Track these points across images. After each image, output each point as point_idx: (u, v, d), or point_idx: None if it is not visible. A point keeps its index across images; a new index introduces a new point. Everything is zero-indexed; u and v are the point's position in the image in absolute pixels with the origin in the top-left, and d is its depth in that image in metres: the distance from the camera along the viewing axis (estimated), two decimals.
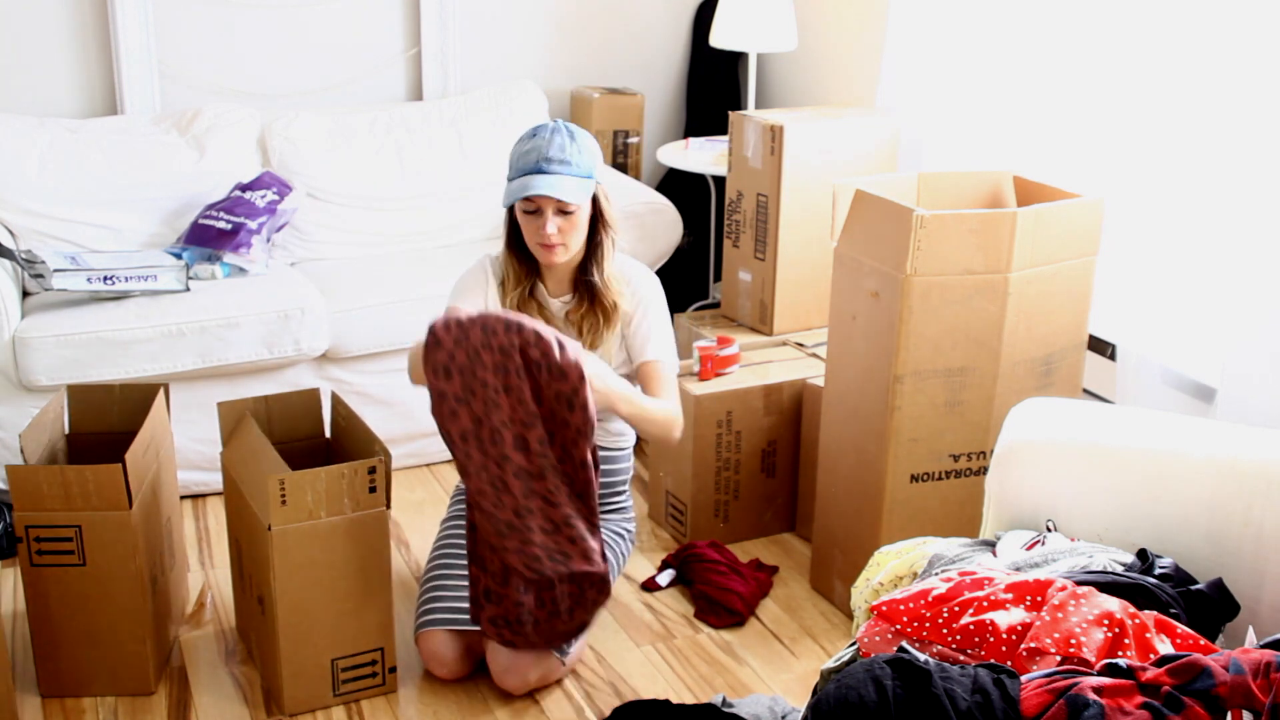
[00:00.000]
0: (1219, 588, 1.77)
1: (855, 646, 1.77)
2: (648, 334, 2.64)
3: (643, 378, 2.64)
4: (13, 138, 3.40)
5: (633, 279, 2.66)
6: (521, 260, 2.62)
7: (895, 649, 1.67)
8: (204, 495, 3.33)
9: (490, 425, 2.31)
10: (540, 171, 2.46)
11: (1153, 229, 2.79)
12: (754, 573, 2.97)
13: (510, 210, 2.59)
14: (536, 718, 2.51)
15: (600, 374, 2.40)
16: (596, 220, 2.58)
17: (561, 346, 2.28)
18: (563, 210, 2.49)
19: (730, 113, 3.42)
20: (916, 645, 1.69)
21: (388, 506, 2.45)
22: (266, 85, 3.88)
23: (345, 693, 2.51)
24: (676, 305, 3.96)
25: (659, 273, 3.74)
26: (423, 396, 3.46)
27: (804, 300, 3.38)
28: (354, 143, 3.74)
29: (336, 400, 2.72)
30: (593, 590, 2.41)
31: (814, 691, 1.68)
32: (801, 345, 3.34)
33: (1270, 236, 2.53)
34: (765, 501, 3.20)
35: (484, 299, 2.65)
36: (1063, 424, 2.08)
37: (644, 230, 3.64)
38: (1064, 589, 1.69)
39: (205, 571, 3.01)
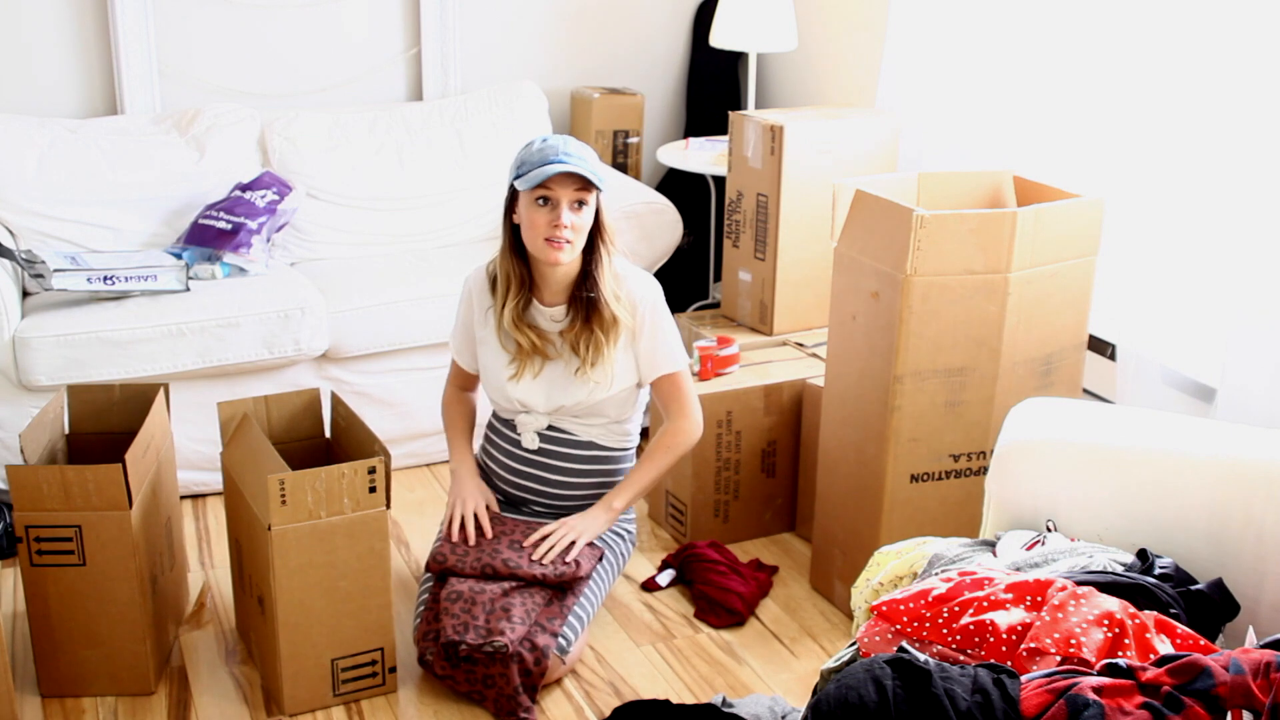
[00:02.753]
0: (1219, 588, 1.77)
1: (855, 646, 1.77)
2: (658, 349, 2.65)
3: (661, 394, 2.70)
4: (13, 138, 3.40)
5: (633, 289, 2.64)
6: (521, 267, 2.61)
7: (895, 649, 1.67)
8: (204, 495, 3.33)
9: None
10: (560, 161, 2.47)
11: (1153, 229, 2.79)
12: (754, 573, 2.97)
13: (509, 216, 2.58)
14: (537, 717, 2.51)
15: (593, 525, 2.65)
16: (595, 231, 2.58)
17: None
18: (578, 203, 2.50)
19: (730, 113, 3.42)
20: (916, 645, 1.69)
21: (388, 506, 2.45)
22: (266, 85, 3.88)
23: (345, 693, 2.51)
24: (677, 305, 3.95)
25: (659, 273, 3.74)
26: (421, 397, 3.47)
27: (804, 300, 3.38)
28: (354, 143, 3.74)
29: (336, 400, 2.72)
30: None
31: (814, 691, 1.68)
32: (801, 345, 3.34)
33: (1270, 237, 2.53)
34: (765, 501, 3.20)
35: (469, 335, 2.73)
36: (1063, 424, 2.08)
37: (644, 230, 3.64)
38: (1064, 589, 1.69)
39: (205, 571, 3.01)
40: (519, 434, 2.69)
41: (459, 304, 2.76)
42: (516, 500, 2.76)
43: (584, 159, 2.49)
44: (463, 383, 2.84)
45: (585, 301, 2.59)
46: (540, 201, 2.50)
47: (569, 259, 2.54)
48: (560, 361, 2.63)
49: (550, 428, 2.67)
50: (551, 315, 2.63)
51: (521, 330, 2.61)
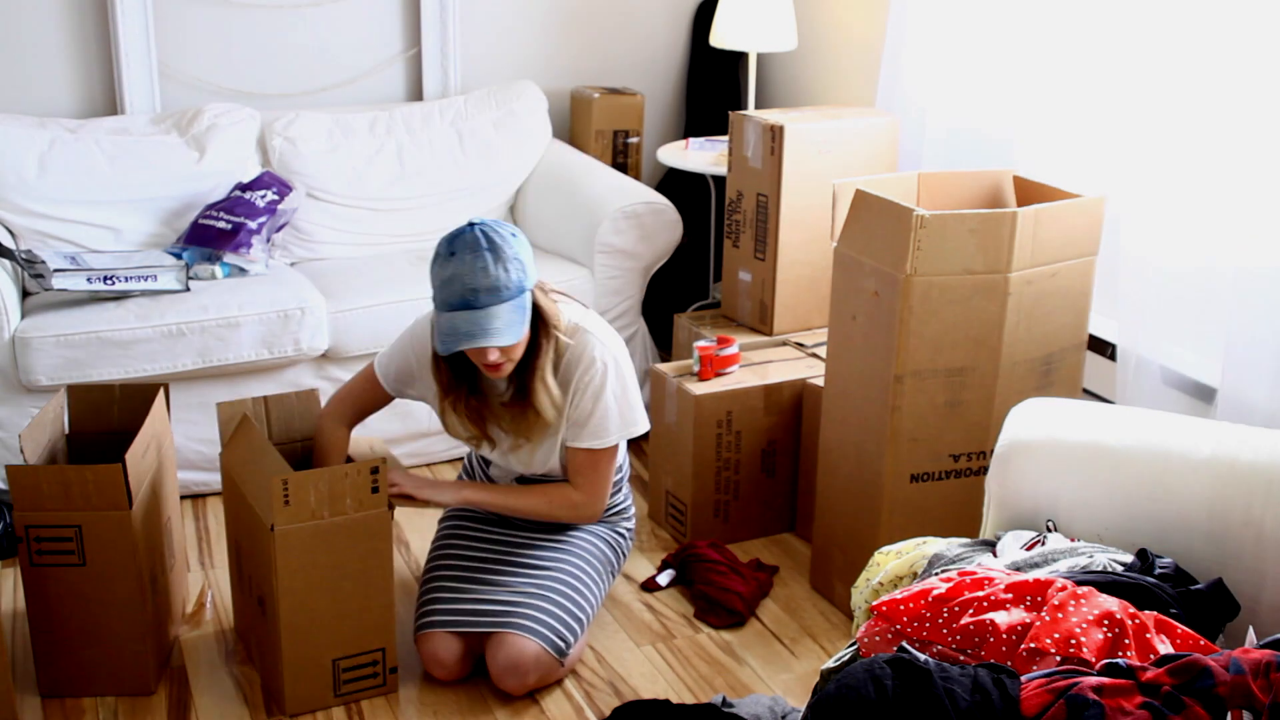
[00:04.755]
0: (1219, 588, 1.77)
1: (855, 646, 1.77)
2: (586, 421, 2.50)
3: (572, 463, 2.56)
4: (13, 138, 3.40)
5: (579, 359, 2.49)
6: (454, 367, 2.47)
7: (895, 649, 1.67)
8: (204, 495, 3.33)
9: None
10: (468, 306, 2.27)
11: (1153, 228, 2.78)
12: (754, 573, 2.97)
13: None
14: (536, 718, 2.51)
15: (438, 495, 2.56)
16: (535, 319, 2.40)
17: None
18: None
19: (730, 113, 3.42)
20: (916, 645, 1.70)
21: (390, 507, 2.45)
22: (266, 85, 3.88)
23: (346, 693, 2.51)
24: (677, 305, 3.96)
25: (659, 273, 3.75)
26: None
27: (804, 300, 3.38)
28: (354, 143, 3.74)
29: None
30: None
31: (814, 691, 1.68)
32: (801, 345, 3.34)
33: (1271, 236, 2.53)
34: (765, 501, 3.20)
35: (414, 372, 2.58)
36: (1063, 424, 2.08)
37: (644, 230, 3.64)
38: (1064, 589, 1.69)
39: (205, 571, 3.01)
40: (495, 478, 2.71)
41: (406, 348, 2.58)
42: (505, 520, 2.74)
43: (496, 290, 2.26)
44: (351, 413, 2.66)
45: (524, 386, 2.46)
46: None
47: (510, 370, 2.42)
48: (509, 437, 2.55)
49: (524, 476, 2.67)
50: (498, 384, 2.52)
51: (465, 423, 2.52)
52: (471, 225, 2.32)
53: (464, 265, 2.27)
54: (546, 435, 2.54)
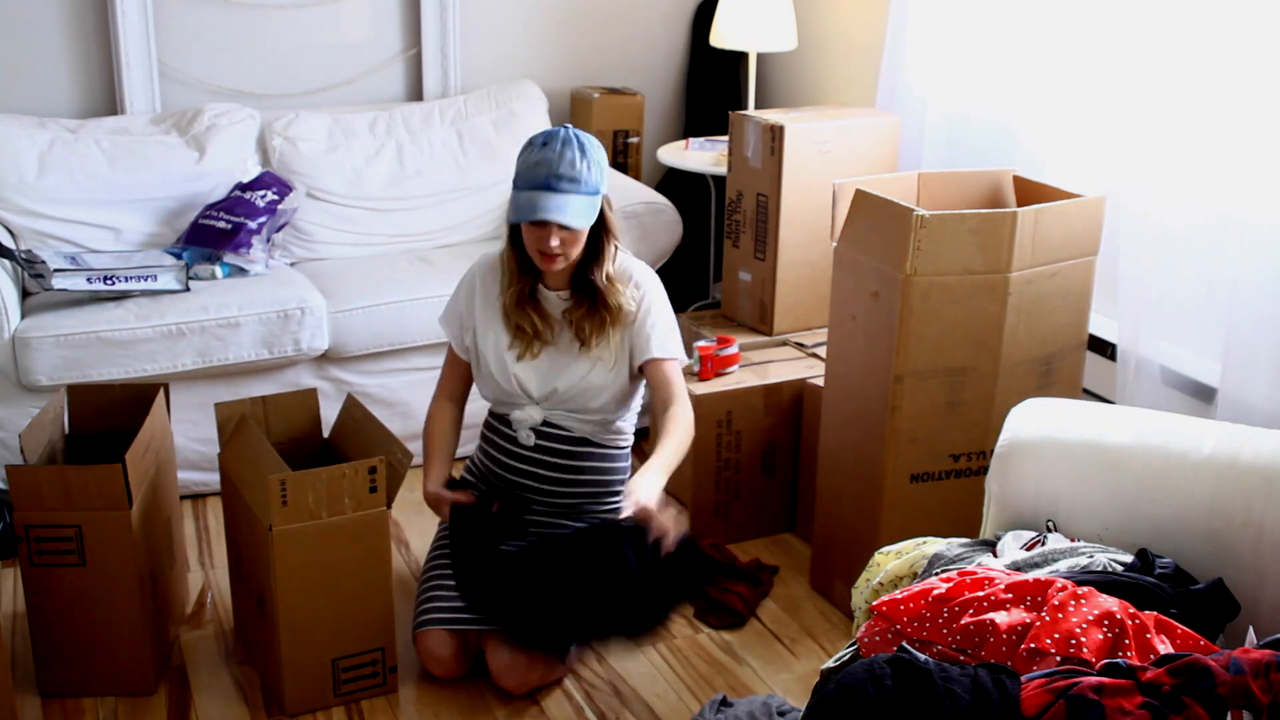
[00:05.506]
0: (1219, 588, 1.77)
1: (855, 646, 1.77)
2: (651, 332, 2.63)
3: (652, 376, 2.65)
4: (13, 138, 3.40)
5: (636, 277, 2.66)
6: (522, 258, 2.61)
7: (895, 649, 1.67)
8: (204, 495, 3.33)
9: None
10: (549, 189, 2.44)
11: (1153, 228, 2.78)
12: (754, 573, 2.97)
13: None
14: (536, 718, 2.51)
15: (649, 488, 2.46)
16: (600, 227, 2.57)
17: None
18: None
19: (730, 113, 3.42)
20: (916, 645, 1.70)
21: (388, 506, 2.45)
22: (266, 85, 3.88)
23: (346, 693, 2.51)
24: (677, 305, 3.95)
25: (659, 273, 3.74)
26: (422, 397, 3.47)
27: (804, 300, 3.38)
28: (354, 143, 3.74)
29: (352, 401, 2.71)
30: None
31: (814, 691, 1.68)
32: (801, 345, 3.34)
33: (1271, 236, 2.52)
34: (765, 501, 3.20)
35: (464, 313, 2.71)
36: (1063, 424, 2.08)
37: (644, 230, 3.64)
38: (1064, 589, 1.69)
39: (205, 571, 3.01)
40: (515, 430, 2.69)
41: (459, 288, 2.74)
42: (517, 499, 2.75)
43: (576, 181, 2.45)
44: (454, 390, 2.79)
45: (589, 286, 2.59)
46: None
47: (562, 267, 2.54)
48: (559, 345, 2.62)
49: (545, 423, 2.66)
50: (557, 297, 2.64)
51: (524, 314, 2.61)
52: (565, 127, 2.53)
53: (554, 154, 2.46)
54: (604, 345, 2.60)
